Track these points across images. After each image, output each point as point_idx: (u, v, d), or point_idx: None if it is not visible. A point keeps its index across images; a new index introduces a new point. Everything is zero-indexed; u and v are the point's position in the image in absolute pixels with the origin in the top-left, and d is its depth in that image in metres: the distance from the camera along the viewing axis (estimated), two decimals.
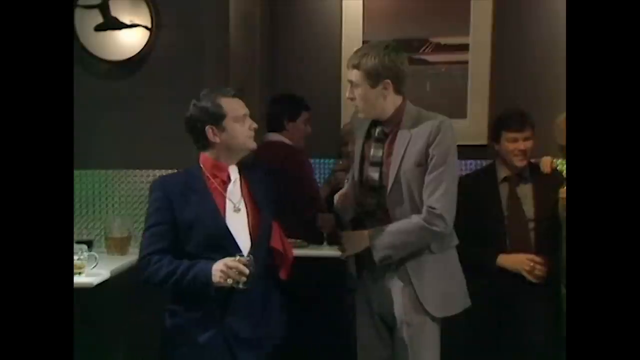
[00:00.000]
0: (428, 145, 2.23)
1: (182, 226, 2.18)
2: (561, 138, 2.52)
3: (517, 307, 2.68)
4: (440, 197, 2.21)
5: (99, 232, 2.98)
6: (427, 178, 2.23)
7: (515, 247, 2.70)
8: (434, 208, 2.20)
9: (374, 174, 2.30)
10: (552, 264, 2.65)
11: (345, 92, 2.33)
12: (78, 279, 2.35)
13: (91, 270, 2.45)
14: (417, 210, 2.23)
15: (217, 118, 2.20)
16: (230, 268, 2.06)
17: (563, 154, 2.53)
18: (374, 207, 2.32)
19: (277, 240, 2.28)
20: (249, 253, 2.15)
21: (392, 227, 2.25)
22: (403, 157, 2.25)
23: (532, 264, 2.65)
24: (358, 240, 2.31)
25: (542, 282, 2.66)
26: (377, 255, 2.24)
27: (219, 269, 2.07)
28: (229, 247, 2.16)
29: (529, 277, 2.66)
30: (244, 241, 2.19)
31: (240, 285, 2.08)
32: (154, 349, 2.33)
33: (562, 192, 2.59)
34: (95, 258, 2.49)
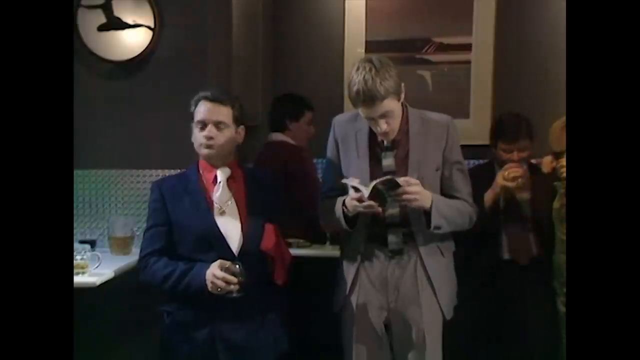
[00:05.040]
0: (444, 149, 2.25)
1: (175, 227, 2.22)
2: (556, 145, 2.51)
3: (517, 305, 2.68)
4: (470, 194, 2.31)
5: (102, 232, 2.99)
6: (455, 178, 2.26)
7: (512, 247, 2.70)
8: (472, 204, 2.30)
9: None
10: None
11: (380, 128, 2.15)
12: (81, 279, 2.36)
13: (94, 270, 2.45)
14: None
15: (193, 119, 2.23)
16: (218, 278, 2.06)
17: (558, 161, 2.52)
18: (394, 217, 2.23)
19: (268, 243, 2.22)
20: (238, 257, 2.15)
21: (449, 202, 2.24)
22: (421, 163, 2.22)
23: (506, 173, 2.63)
24: (425, 196, 2.14)
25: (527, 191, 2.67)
26: (435, 221, 2.16)
27: (210, 279, 2.08)
28: (219, 248, 2.16)
29: (510, 184, 2.62)
30: (235, 244, 2.19)
31: (234, 294, 2.08)
32: (157, 349, 2.34)
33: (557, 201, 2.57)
34: (98, 257, 2.50)
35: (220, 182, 2.23)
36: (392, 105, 2.12)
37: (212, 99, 2.21)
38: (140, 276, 2.25)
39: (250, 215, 2.23)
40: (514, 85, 3.57)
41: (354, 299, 2.30)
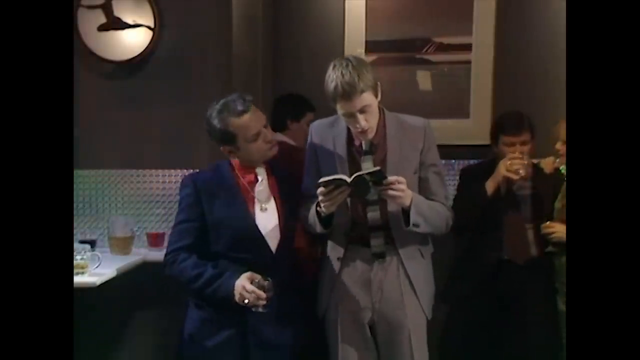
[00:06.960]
0: (421, 151, 2.26)
1: (211, 224, 2.19)
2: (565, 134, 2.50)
3: (517, 305, 2.68)
4: (447, 197, 2.31)
5: (102, 232, 2.99)
6: (431, 181, 2.27)
7: (511, 247, 2.69)
8: (449, 208, 2.32)
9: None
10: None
11: (359, 124, 2.13)
12: (81, 279, 2.36)
13: (94, 270, 2.46)
14: None
15: (228, 140, 2.19)
16: (248, 291, 2.05)
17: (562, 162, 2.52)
18: (376, 221, 2.24)
19: (301, 240, 2.27)
20: (275, 255, 2.16)
21: (428, 202, 2.24)
22: (399, 166, 2.22)
23: (508, 162, 2.60)
24: (407, 195, 2.14)
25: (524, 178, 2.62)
26: (413, 218, 2.16)
27: (239, 291, 2.06)
28: (258, 247, 2.16)
29: (512, 176, 2.59)
30: (273, 242, 2.20)
31: (260, 309, 2.07)
32: (157, 348, 2.34)
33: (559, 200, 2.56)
34: (98, 257, 2.50)
35: (262, 179, 2.24)
36: (370, 99, 2.12)
37: (248, 109, 2.18)
38: (166, 270, 2.22)
39: (286, 213, 2.25)
40: (514, 85, 3.56)
41: (338, 300, 2.30)
